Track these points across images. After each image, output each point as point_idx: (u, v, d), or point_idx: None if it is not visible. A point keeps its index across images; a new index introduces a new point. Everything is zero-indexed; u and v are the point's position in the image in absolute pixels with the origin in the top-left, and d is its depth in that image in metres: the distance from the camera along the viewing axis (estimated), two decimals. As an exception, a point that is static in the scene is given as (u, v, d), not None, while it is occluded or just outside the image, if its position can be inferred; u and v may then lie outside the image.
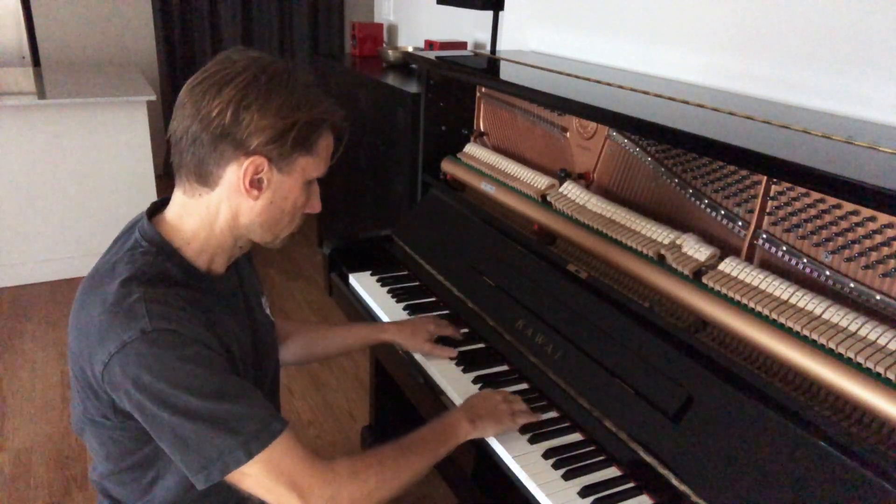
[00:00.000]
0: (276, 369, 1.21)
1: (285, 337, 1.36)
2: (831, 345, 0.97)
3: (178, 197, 0.99)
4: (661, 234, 1.28)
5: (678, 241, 1.25)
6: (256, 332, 1.11)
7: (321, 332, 1.41)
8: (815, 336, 1.00)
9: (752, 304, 1.08)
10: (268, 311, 1.20)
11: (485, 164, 1.77)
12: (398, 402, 2.01)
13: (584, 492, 1.06)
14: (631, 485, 1.08)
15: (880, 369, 0.92)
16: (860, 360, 0.94)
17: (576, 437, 1.19)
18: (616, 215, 1.38)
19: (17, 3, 3.80)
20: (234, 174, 0.94)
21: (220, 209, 0.97)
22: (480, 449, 1.19)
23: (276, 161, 0.94)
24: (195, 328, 0.90)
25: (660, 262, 1.25)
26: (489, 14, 2.58)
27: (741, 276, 1.13)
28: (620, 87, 1.53)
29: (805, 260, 1.10)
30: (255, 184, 0.95)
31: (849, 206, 1.03)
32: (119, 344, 0.87)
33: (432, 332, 1.42)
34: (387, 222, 1.96)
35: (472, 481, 1.11)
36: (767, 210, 1.16)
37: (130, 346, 0.86)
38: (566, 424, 1.21)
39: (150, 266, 0.94)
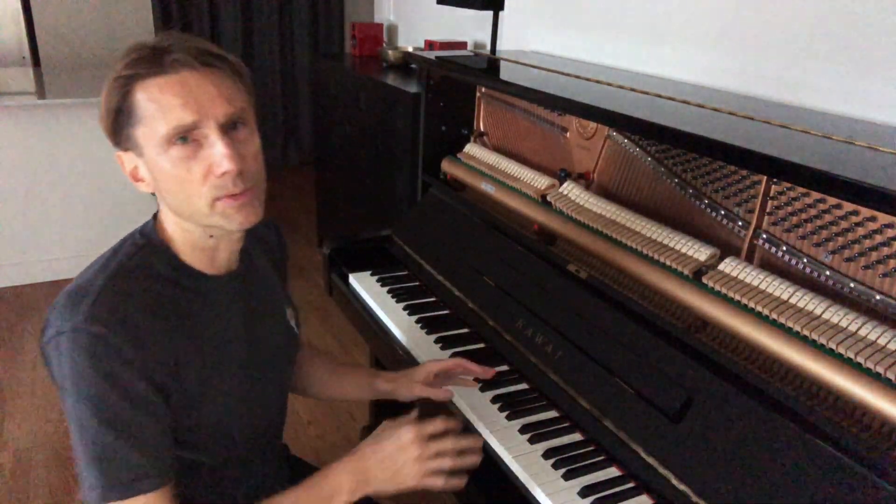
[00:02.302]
0: (282, 381, 1.14)
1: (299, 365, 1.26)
2: (831, 345, 0.97)
3: None
4: (652, 231, 1.28)
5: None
6: (257, 342, 1.04)
7: (330, 373, 1.30)
8: (815, 336, 1.00)
9: (752, 304, 1.08)
10: (292, 322, 1.13)
11: (485, 164, 1.77)
12: (398, 403, 2.01)
13: (584, 492, 1.06)
14: (631, 485, 1.08)
15: (880, 369, 0.92)
16: (860, 360, 0.94)
17: (576, 437, 1.19)
18: (616, 215, 1.38)
19: (17, 3, 3.80)
20: None
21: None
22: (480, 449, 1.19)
23: (124, 145, 0.90)
24: (132, 341, 0.84)
25: (660, 263, 1.25)
26: (489, 14, 2.58)
27: (741, 276, 1.13)
28: (620, 87, 1.53)
29: (805, 260, 1.10)
30: (135, 174, 0.92)
31: (849, 206, 1.03)
32: (55, 331, 0.84)
33: (429, 375, 1.26)
34: (387, 222, 1.96)
35: (472, 481, 1.11)
36: (767, 210, 1.16)
37: (59, 338, 0.83)
38: (566, 424, 1.21)
39: (130, 257, 0.91)
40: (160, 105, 0.83)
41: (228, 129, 0.86)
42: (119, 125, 0.86)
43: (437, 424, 0.97)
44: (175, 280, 0.92)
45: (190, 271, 0.95)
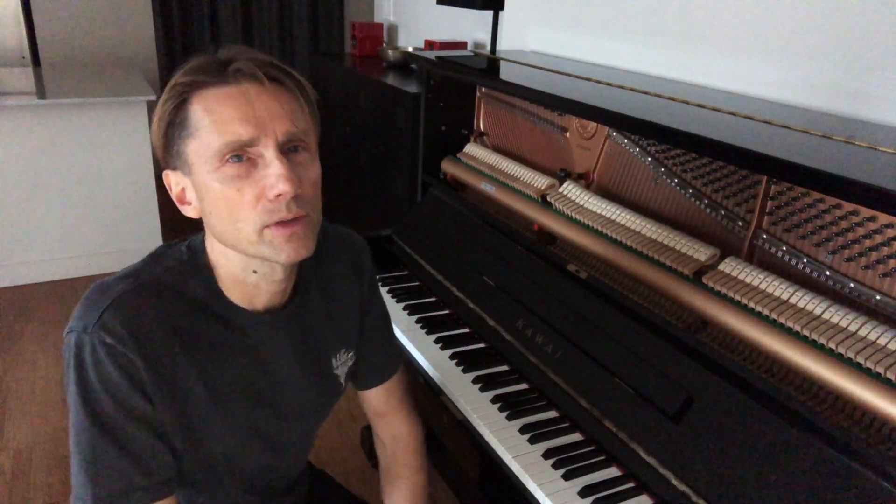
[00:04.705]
0: (306, 430, 1.06)
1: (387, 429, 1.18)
2: (831, 345, 0.97)
3: None
4: (652, 231, 1.28)
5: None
6: (284, 386, 0.96)
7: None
8: (815, 336, 1.00)
9: (752, 304, 1.08)
10: (337, 371, 1.04)
11: (485, 164, 1.77)
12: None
13: (584, 492, 1.06)
14: (631, 485, 1.08)
15: (880, 369, 0.92)
16: (860, 360, 0.94)
17: (576, 437, 1.19)
18: (616, 215, 1.38)
19: (17, 3, 3.80)
20: None
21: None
22: (481, 449, 1.19)
23: (173, 163, 0.83)
24: (139, 355, 0.81)
25: (660, 262, 1.25)
26: (489, 14, 2.58)
27: (741, 276, 1.13)
28: (621, 87, 1.53)
29: (805, 260, 1.10)
30: (182, 197, 0.85)
31: (849, 206, 1.04)
32: (69, 328, 0.82)
33: None
34: (387, 222, 1.96)
35: (472, 481, 1.11)
36: (767, 210, 1.16)
37: (70, 336, 0.81)
38: (566, 424, 1.22)
39: (167, 270, 0.86)
40: (217, 117, 0.77)
41: (287, 150, 0.79)
42: (170, 139, 0.80)
43: None
44: (207, 307, 0.87)
45: (225, 301, 0.89)
